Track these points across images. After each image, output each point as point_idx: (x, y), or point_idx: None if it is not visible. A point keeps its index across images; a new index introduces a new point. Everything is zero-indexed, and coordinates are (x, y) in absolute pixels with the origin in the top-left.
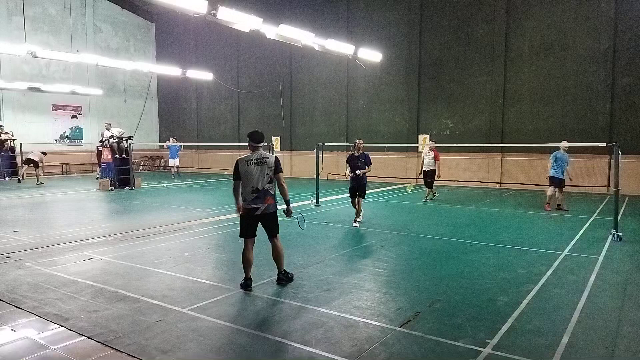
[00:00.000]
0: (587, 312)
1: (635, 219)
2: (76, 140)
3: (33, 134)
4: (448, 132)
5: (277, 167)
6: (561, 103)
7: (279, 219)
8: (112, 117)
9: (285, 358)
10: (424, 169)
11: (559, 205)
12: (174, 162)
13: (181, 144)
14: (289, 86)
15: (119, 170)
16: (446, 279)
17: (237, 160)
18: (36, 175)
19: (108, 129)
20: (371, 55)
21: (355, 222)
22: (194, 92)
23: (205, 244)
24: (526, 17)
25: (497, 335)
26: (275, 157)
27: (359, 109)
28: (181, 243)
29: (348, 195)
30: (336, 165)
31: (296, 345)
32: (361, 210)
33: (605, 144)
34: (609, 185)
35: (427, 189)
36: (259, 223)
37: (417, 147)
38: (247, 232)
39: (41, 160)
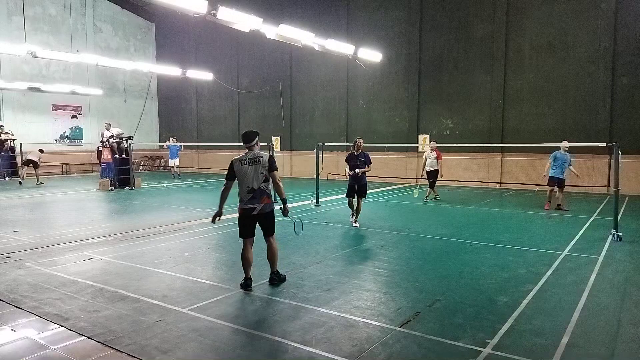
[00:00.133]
0: (587, 312)
1: (635, 219)
2: (76, 140)
3: (33, 134)
4: (448, 132)
5: (271, 166)
6: (561, 103)
7: (280, 219)
8: (112, 117)
9: (285, 358)
10: (427, 169)
11: (559, 205)
12: (174, 162)
13: (181, 144)
14: (289, 86)
15: (119, 170)
16: (446, 279)
17: (232, 161)
18: (36, 176)
19: (108, 129)
20: (371, 55)
21: (355, 222)
22: (194, 92)
23: (205, 244)
24: (526, 17)
25: (497, 335)
26: (270, 155)
27: (359, 109)
28: (181, 243)
29: (345, 195)
30: (336, 165)
31: (296, 345)
32: (359, 211)
33: (605, 144)
34: (609, 185)
35: (429, 189)
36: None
37: (417, 147)
38: (245, 232)
39: (39, 159)
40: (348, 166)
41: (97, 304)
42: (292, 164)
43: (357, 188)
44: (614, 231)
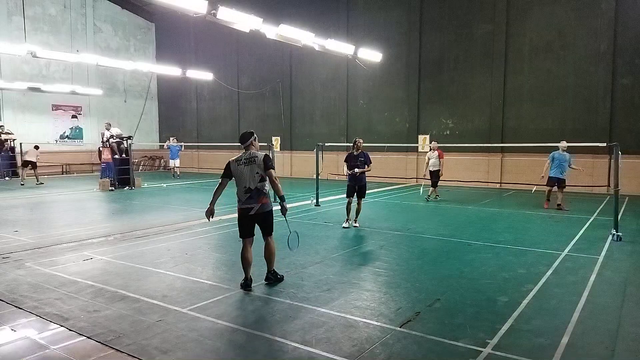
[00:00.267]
0: (587, 312)
1: (635, 219)
2: (76, 140)
3: (33, 134)
4: (448, 132)
5: (267, 164)
6: (561, 103)
7: (279, 219)
8: (112, 117)
9: (285, 358)
10: (430, 169)
11: (559, 205)
12: (174, 163)
13: (182, 144)
14: (289, 86)
15: (119, 170)
16: (446, 279)
17: (229, 161)
18: (35, 176)
19: (108, 129)
20: (371, 55)
21: (355, 222)
22: (194, 92)
23: (205, 244)
24: (526, 17)
25: (497, 335)
26: (265, 154)
27: (359, 109)
28: (181, 243)
29: (345, 195)
30: (336, 165)
31: (296, 345)
32: (359, 211)
33: (605, 144)
34: (609, 185)
35: (432, 188)
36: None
37: (417, 147)
38: (244, 232)
39: (37, 158)
40: (346, 166)
41: (97, 304)
42: (292, 164)
43: (356, 189)
44: (614, 231)
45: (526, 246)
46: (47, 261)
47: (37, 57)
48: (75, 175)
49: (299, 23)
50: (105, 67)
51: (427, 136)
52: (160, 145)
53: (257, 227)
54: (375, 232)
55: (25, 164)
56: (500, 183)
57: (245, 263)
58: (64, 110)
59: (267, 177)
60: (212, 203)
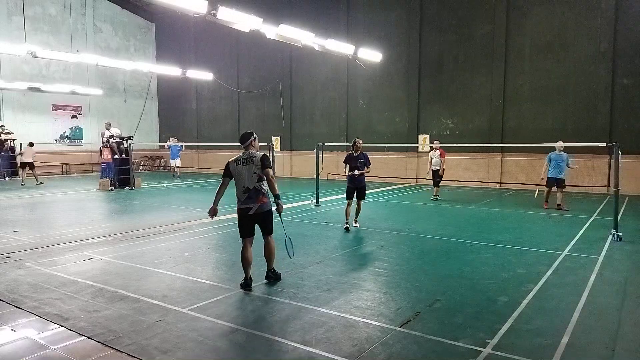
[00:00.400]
0: (587, 312)
1: (635, 219)
2: (76, 140)
3: (33, 134)
4: (448, 132)
5: (264, 164)
6: (561, 103)
7: (278, 219)
8: (112, 117)
9: (285, 358)
10: (432, 168)
11: (559, 205)
12: (175, 163)
13: (182, 143)
14: (289, 86)
15: (119, 170)
16: (446, 279)
17: (228, 161)
18: (34, 176)
19: (108, 129)
20: (371, 55)
21: (355, 221)
22: (194, 92)
23: (205, 244)
24: (526, 17)
25: (497, 335)
26: (263, 154)
27: (359, 109)
28: (181, 243)
29: (345, 196)
30: (336, 165)
31: (296, 345)
32: (359, 211)
33: (605, 144)
34: (609, 185)
35: (435, 188)
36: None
37: (417, 147)
38: (244, 232)
39: (33, 157)
40: (346, 167)
41: (97, 304)
42: (292, 164)
43: (356, 190)
44: (614, 231)
45: (526, 246)
46: (47, 261)
47: (37, 57)
48: (75, 175)
49: (299, 23)
50: (105, 67)
51: (427, 136)
52: (160, 146)
53: (257, 228)
54: (375, 232)
55: (23, 165)
56: (500, 183)
57: (245, 263)
58: (64, 110)
59: (264, 176)
60: (215, 202)
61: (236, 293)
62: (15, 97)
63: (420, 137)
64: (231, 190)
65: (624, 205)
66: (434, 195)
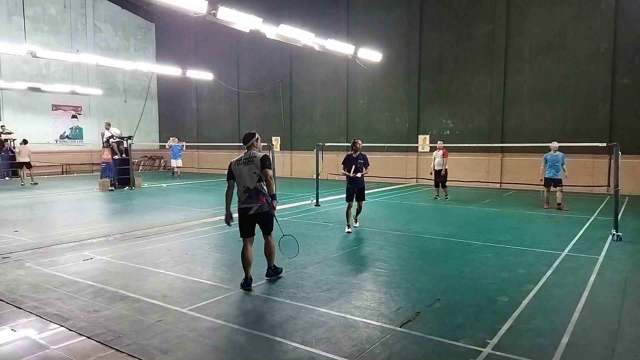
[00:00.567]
0: (587, 312)
1: (635, 219)
2: (76, 140)
3: (33, 134)
4: (448, 132)
5: (264, 164)
6: (561, 103)
7: (279, 220)
8: (112, 117)
9: (285, 358)
10: (435, 168)
11: (559, 204)
12: (176, 163)
13: (183, 143)
14: (289, 86)
15: (119, 170)
16: (446, 279)
17: (230, 162)
18: (30, 176)
19: (107, 129)
20: (371, 55)
21: (356, 221)
22: (194, 92)
23: (205, 244)
24: (526, 17)
25: (497, 335)
26: (264, 155)
27: (359, 109)
28: (181, 243)
29: (345, 198)
30: (336, 165)
31: (296, 345)
32: (359, 211)
33: (605, 144)
34: (609, 185)
35: (444, 189)
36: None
37: (417, 147)
38: (244, 231)
39: (29, 157)
40: (346, 168)
41: (97, 304)
42: (292, 164)
43: (356, 191)
44: (614, 231)
45: (526, 246)
46: (47, 261)
47: (37, 57)
48: (75, 175)
49: (299, 23)
50: (105, 67)
51: (427, 136)
52: (160, 146)
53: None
54: (375, 232)
55: (20, 165)
56: (500, 183)
57: (246, 262)
58: (64, 110)
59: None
60: (227, 207)
61: (236, 293)
62: (15, 97)
63: (420, 137)
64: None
65: (624, 205)
66: (435, 196)
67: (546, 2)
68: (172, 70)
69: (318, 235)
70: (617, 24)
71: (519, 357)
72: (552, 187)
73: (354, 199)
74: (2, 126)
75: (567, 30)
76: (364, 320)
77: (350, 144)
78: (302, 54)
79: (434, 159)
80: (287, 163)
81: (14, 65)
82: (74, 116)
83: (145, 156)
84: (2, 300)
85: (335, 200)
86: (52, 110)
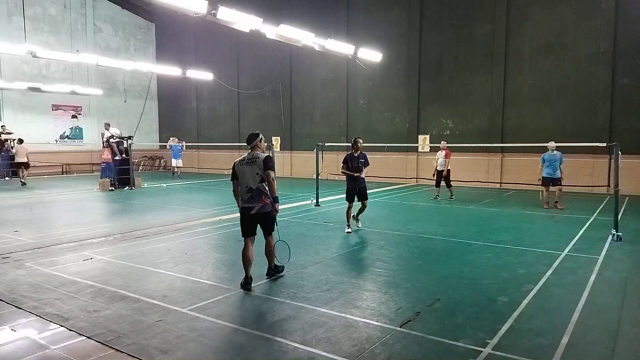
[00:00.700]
0: (587, 312)
1: (635, 219)
2: (76, 140)
3: (33, 134)
4: (448, 132)
5: (266, 165)
6: (561, 103)
7: (280, 219)
8: (112, 117)
9: (285, 358)
10: (438, 168)
11: (555, 202)
12: (176, 163)
13: (184, 143)
14: (289, 86)
15: (119, 170)
16: (446, 279)
17: (234, 162)
18: (23, 175)
19: (107, 129)
20: (371, 55)
21: (358, 221)
22: (194, 92)
23: (205, 244)
24: (526, 17)
25: (497, 335)
26: (266, 155)
27: (359, 109)
28: (181, 243)
29: (345, 198)
30: (336, 165)
31: (296, 345)
32: (361, 211)
33: (605, 144)
34: (609, 185)
35: (449, 188)
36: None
37: (417, 147)
38: (245, 231)
39: (27, 157)
40: (346, 167)
41: (97, 304)
42: (292, 164)
43: (357, 191)
44: (614, 231)
45: (526, 246)
46: (47, 261)
47: (37, 57)
48: (75, 175)
49: (299, 23)
50: (105, 67)
51: (427, 136)
52: (160, 145)
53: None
54: (375, 232)
55: (18, 165)
56: (500, 183)
57: (246, 262)
58: (64, 110)
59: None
60: (239, 204)
61: (236, 293)
62: (15, 97)
63: (420, 137)
64: (231, 190)
65: (624, 205)
66: (435, 195)
67: (546, 2)
68: (172, 70)
69: (318, 235)
70: (617, 24)
71: (519, 357)
72: (550, 186)
73: (357, 199)
74: (2, 126)
75: (567, 31)
76: (364, 320)
77: (350, 144)
78: (302, 54)
79: (437, 159)
80: (287, 163)
81: (14, 65)
82: (74, 116)
83: (145, 156)
84: (2, 300)
85: (335, 200)
86: (52, 110)
